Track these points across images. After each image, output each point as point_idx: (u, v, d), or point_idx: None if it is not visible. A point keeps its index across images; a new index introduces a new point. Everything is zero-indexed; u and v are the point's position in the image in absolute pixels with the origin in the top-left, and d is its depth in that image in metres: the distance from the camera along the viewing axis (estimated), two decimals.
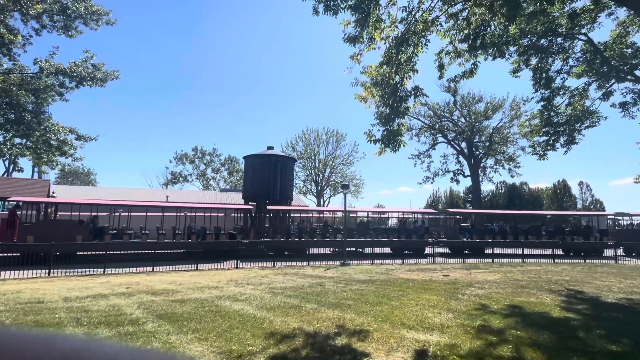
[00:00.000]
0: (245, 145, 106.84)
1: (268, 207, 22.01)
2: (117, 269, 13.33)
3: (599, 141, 78.78)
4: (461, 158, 44.90)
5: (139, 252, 16.86)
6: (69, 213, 18.24)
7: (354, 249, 20.41)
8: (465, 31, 8.87)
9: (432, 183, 51.24)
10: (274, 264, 15.44)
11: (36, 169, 42.23)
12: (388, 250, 20.88)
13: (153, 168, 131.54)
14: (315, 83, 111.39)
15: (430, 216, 25.93)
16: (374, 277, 11.96)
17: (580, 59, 14.28)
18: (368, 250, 19.13)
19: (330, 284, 10.65)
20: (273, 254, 17.02)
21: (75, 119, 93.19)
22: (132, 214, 20.15)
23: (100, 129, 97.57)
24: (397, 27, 8.72)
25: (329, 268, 14.56)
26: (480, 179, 44.22)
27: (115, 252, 15.74)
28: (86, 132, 15.82)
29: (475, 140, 44.03)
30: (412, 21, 8.54)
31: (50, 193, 23.19)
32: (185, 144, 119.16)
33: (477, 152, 44.12)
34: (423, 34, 8.60)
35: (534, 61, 14.02)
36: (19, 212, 16.52)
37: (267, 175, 23.75)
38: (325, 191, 56.18)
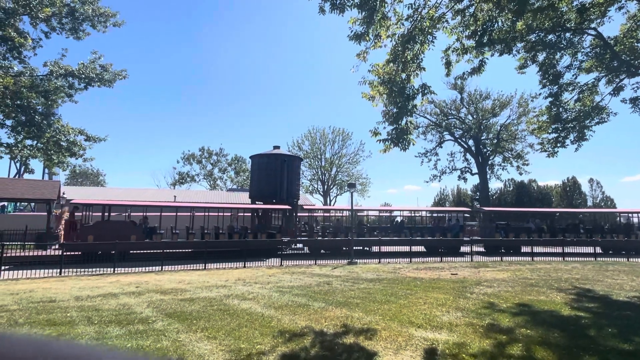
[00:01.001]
0: (251, 145, 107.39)
1: (305, 207, 22.54)
2: (126, 269, 13.49)
3: (609, 137, 77.71)
4: (468, 156, 44.58)
5: (183, 250, 17.86)
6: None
7: (389, 248, 20.22)
8: (472, 27, 8.79)
9: (439, 181, 50.96)
10: (281, 263, 15.49)
11: (47, 171, 42.89)
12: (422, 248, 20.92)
13: (161, 168, 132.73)
14: (321, 82, 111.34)
15: (465, 214, 25.77)
16: (381, 276, 11.94)
17: (590, 54, 14.06)
18: (405, 248, 19.09)
19: (338, 282, 10.66)
20: (310, 252, 17.83)
21: (84, 120, 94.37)
22: (163, 214, 20.82)
23: (109, 129, 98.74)
24: (403, 24, 8.67)
25: (336, 267, 14.57)
26: (488, 177, 43.85)
27: (166, 250, 16.61)
28: (95, 133, 16.02)
29: (482, 138, 43.64)
30: (418, 18, 8.49)
31: (61, 194, 23.51)
32: (192, 144, 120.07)
33: (485, 150, 43.73)
34: (429, 31, 8.53)
35: (541, 57, 13.83)
36: (77, 214, 17.91)
37: (273, 175, 23.82)
38: (331, 190, 56.19)
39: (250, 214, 23.69)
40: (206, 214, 20.78)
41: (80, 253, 15.60)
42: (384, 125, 8.87)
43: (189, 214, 21.38)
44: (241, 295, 8.76)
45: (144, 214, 19.19)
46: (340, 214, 27.30)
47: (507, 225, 23.01)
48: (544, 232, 21.75)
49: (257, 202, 24.51)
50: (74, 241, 15.95)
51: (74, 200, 18.72)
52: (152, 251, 16.84)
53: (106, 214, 18.24)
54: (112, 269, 13.29)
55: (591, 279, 11.36)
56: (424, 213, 27.74)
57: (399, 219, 25.57)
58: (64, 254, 14.23)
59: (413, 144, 8.74)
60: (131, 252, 16.90)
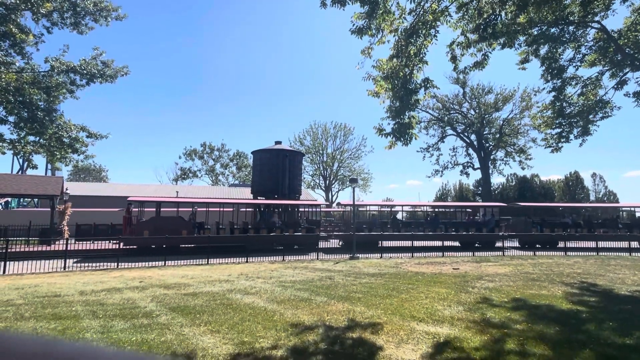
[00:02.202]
0: (253, 140, 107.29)
1: (342, 203, 23.58)
2: (129, 264, 13.60)
3: (612, 132, 77.25)
4: (471, 150, 44.47)
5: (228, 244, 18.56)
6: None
7: (422, 242, 20.17)
8: (477, 21, 8.73)
9: (441, 176, 50.77)
10: (283, 257, 15.57)
11: (50, 166, 43.06)
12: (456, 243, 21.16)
13: (163, 164, 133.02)
14: (323, 78, 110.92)
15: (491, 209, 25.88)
16: (383, 271, 11.99)
17: (593, 48, 13.95)
18: (438, 243, 19.27)
19: (340, 277, 10.72)
20: (344, 245, 18.78)
21: (87, 117, 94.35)
22: (210, 209, 21.97)
23: (111, 125, 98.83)
24: (405, 19, 8.62)
25: (338, 262, 14.63)
26: (490, 172, 43.77)
27: (215, 244, 17.56)
28: (97, 129, 16.05)
29: (485, 132, 43.49)
30: (421, 12, 8.43)
31: (64, 190, 23.64)
32: (194, 140, 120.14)
33: (487, 145, 43.60)
34: (433, 24, 8.48)
35: (543, 51, 13.73)
36: (134, 210, 19.32)
37: (275, 170, 23.86)
38: (333, 185, 56.23)
39: (252, 209, 23.95)
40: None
41: (136, 247, 17.12)
42: (388, 121, 8.87)
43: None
44: (244, 289, 8.83)
45: (194, 209, 20.47)
46: (378, 209, 28.56)
47: (543, 220, 23.22)
48: (580, 227, 21.83)
49: (258, 198, 24.59)
50: (130, 235, 17.43)
51: (130, 197, 20.13)
52: (200, 245, 18.04)
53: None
54: (116, 264, 13.40)
55: (593, 274, 11.38)
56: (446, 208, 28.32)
57: (433, 213, 25.98)
58: (123, 247, 16.08)
59: (415, 139, 8.74)
60: (181, 246, 18.11)
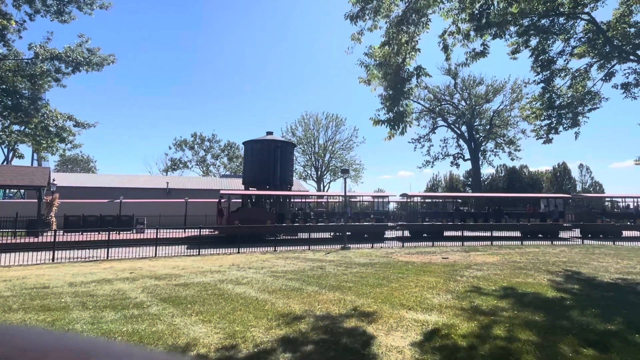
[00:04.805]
0: (244, 131, 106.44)
1: (411, 194, 25.30)
2: (119, 255, 13.50)
3: (599, 123, 78.42)
4: (461, 142, 44.77)
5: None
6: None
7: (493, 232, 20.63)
8: (469, 11, 8.70)
9: (432, 167, 51.34)
10: (275, 248, 15.61)
11: (36, 156, 42.18)
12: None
13: (153, 154, 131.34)
14: (316, 68, 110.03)
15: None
16: (374, 260, 12.12)
17: (582, 40, 14.04)
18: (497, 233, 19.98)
19: (331, 267, 10.80)
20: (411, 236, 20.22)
21: (75, 107, 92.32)
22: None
23: (100, 116, 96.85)
24: (397, 5, 8.54)
25: (329, 252, 14.73)
26: (480, 163, 44.18)
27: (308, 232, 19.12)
28: (85, 119, 15.72)
29: (475, 124, 43.77)
30: None
31: (51, 180, 23.20)
32: (184, 131, 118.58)
33: (478, 136, 43.93)
34: (424, 12, 8.41)
35: (533, 42, 13.78)
36: (224, 201, 21.11)
37: (267, 161, 23.79)
38: (325, 176, 56.24)
39: (240, 200, 24.01)
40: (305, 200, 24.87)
41: (225, 235, 18.63)
42: (384, 111, 8.85)
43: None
44: (235, 280, 8.85)
45: (272, 200, 22.25)
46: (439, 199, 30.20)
47: (604, 210, 24.02)
48: None
49: (250, 188, 24.52)
50: (223, 225, 19.52)
51: (222, 190, 22.05)
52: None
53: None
54: (106, 255, 13.29)
55: (577, 262, 11.67)
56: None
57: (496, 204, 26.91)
58: (220, 235, 18.65)
59: (410, 126, 8.75)
60: (266, 234, 19.71)
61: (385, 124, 8.60)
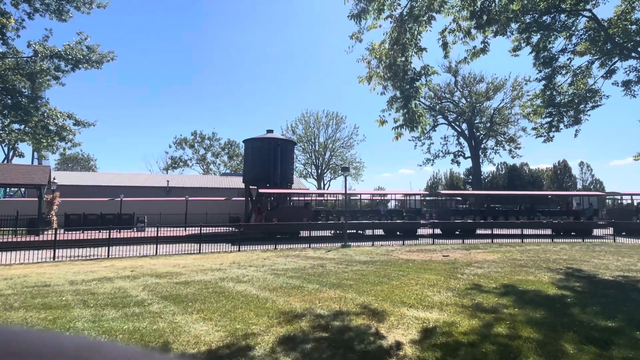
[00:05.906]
0: (245, 129, 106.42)
1: (443, 192, 25.97)
2: (120, 254, 13.51)
3: (600, 121, 78.34)
4: (462, 139, 44.75)
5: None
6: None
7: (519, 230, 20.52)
8: (471, 8, 8.65)
9: (432, 165, 51.26)
10: (275, 246, 15.62)
11: (36, 155, 42.16)
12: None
13: (153, 153, 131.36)
14: (316, 66, 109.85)
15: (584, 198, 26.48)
16: (374, 258, 12.12)
17: (584, 37, 13.98)
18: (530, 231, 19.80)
19: (332, 265, 10.80)
20: (441, 233, 20.72)
21: (75, 105, 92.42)
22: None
23: (100, 114, 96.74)
24: (399, 4, 8.50)
25: (329, 250, 14.73)
26: (481, 160, 44.18)
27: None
28: (85, 117, 15.69)
29: (476, 122, 43.73)
30: None
31: (52, 179, 23.20)
32: (184, 129, 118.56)
33: (478, 134, 43.89)
34: (433, 6, 8.35)
35: (535, 39, 13.73)
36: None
37: (267, 159, 23.76)
38: (325, 174, 56.23)
39: (244, 198, 24.09)
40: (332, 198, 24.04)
41: (263, 234, 18.64)
42: (389, 112, 8.78)
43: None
44: (236, 278, 8.85)
45: (305, 198, 23.08)
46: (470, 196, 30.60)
47: (639, 208, 23.91)
48: None
49: (250, 187, 24.52)
50: (262, 222, 19.79)
51: (261, 190, 22.12)
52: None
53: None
54: (107, 254, 13.31)
55: (578, 260, 11.66)
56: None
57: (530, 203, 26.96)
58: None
59: (424, 125, 8.64)
60: (301, 231, 19.80)
61: (402, 127, 8.51)
